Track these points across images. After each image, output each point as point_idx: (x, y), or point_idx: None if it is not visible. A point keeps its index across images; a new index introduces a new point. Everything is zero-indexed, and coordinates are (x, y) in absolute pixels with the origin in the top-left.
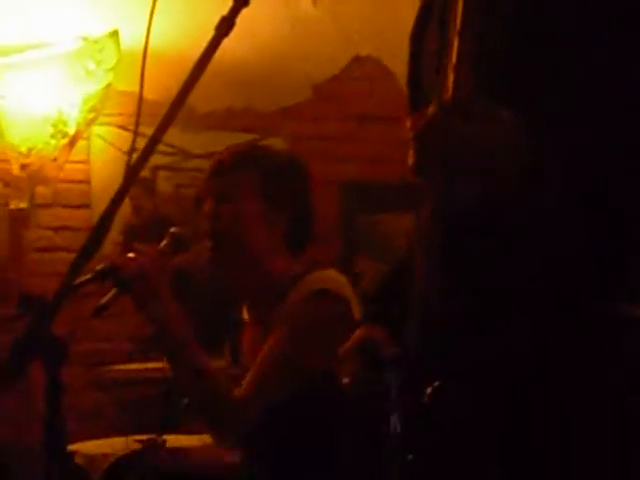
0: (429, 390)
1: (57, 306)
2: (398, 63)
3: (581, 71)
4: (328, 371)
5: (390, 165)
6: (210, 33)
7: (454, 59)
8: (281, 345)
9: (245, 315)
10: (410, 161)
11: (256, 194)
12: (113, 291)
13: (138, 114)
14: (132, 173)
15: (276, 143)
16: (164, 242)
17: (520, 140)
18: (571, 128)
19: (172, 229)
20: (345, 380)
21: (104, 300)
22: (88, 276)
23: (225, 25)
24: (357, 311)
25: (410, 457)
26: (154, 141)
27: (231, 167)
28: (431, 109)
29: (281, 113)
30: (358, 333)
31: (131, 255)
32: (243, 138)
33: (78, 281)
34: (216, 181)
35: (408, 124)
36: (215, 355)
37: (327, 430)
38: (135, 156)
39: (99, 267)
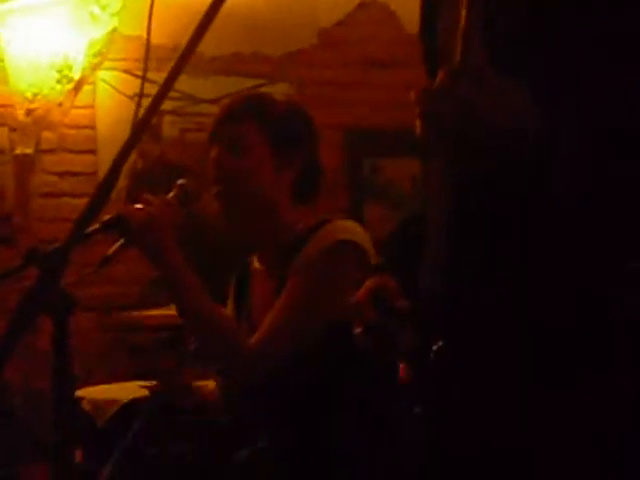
0: (434, 348)
1: (65, 259)
2: (404, 8)
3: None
4: (343, 321)
5: (395, 110)
6: None
7: (463, 24)
8: (297, 294)
9: (256, 265)
10: (418, 134)
11: (262, 142)
12: (120, 241)
13: (146, 59)
14: (140, 125)
15: (282, 88)
16: (172, 193)
17: (530, 110)
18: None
19: (180, 181)
20: (357, 330)
21: (111, 250)
22: (95, 226)
23: None
24: (374, 261)
25: (418, 409)
26: (162, 94)
27: (237, 116)
28: (439, 77)
29: (287, 58)
30: (370, 282)
31: (138, 206)
32: (250, 83)
33: (85, 232)
34: (222, 129)
35: (412, 96)
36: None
37: (341, 381)
38: (142, 102)
39: (106, 217)
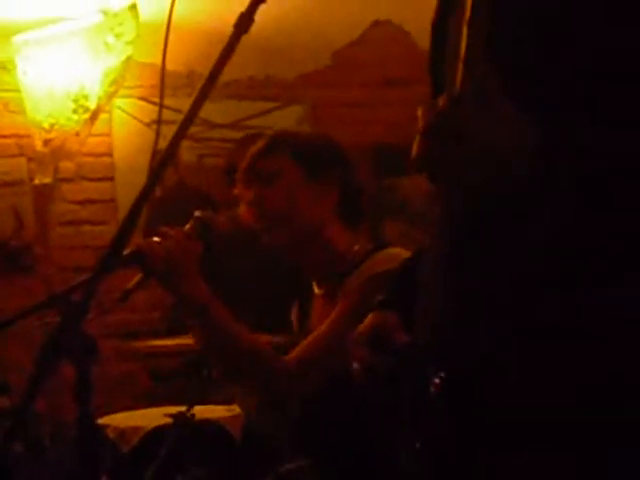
0: (436, 381)
1: (85, 304)
2: (417, 26)
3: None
4: None
5: (410, 128)
6: (229, 3)
7: (463, 50)
8: (338, 319)
9: (315, 289)
10: (413, 153)
11: (297, 169)
12: (139, 276)
13: (162, 86)
14: (156, 172)
15: (297, 110)
16: (188, 225)
17: (527, 134)
18: (582, 127)
19: (196, 213)
20: (355, 365)
21: (131, 284)
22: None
23: (244, 21)
24: None
25: (418, 445)
26: (183, 128)
27: (268, 151)
28: (441, 101)
29: (301, 80)
30: (371, 318)
31: (156, 239)
32: (265, 106)
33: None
34: (254, 169)
35: (419, 113)
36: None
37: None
38: (160, 129)
39: (125, 252)
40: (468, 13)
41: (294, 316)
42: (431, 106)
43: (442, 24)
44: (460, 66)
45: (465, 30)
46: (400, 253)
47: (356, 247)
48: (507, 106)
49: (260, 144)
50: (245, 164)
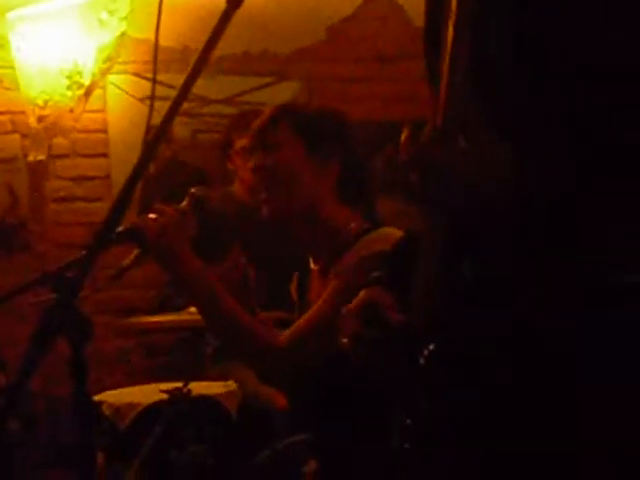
0: (425, 352)
1: (80, 281)
2: (411, 2)
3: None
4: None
5: (406, 104)
6: None
7: (446, 80)
8: (330, 299)
9: (312, 264)
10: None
11: (299, 141)
12: (135, 252)
13: (155, 62)
14: (150, 148)
15: (292, 85)
16: (184, 202)
17: (507, 168)
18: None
19: (192, 189)
20: (343, 340)
21: (126, 262)
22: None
23: None
24: None
25: (408, 421)
26: (175, 106)
27: (272, 121)
28: (424, 134)
29: (296, 55)
30: (364, 294)
31: (152, 216)
32: (259, 82)
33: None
34: (260, 136)
35: (403, 137)
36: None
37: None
38: (154, 104)
39: (120, 229)
40: (450, 46)
41: (293, 289)
42: (415, 133)
43: (436, 6)
44: (443, 95)
45: (447, 63)
46: (394, 233)
47: (352, 225)
48: (488, 137)
49: (264, 115)
50: (249, 135)
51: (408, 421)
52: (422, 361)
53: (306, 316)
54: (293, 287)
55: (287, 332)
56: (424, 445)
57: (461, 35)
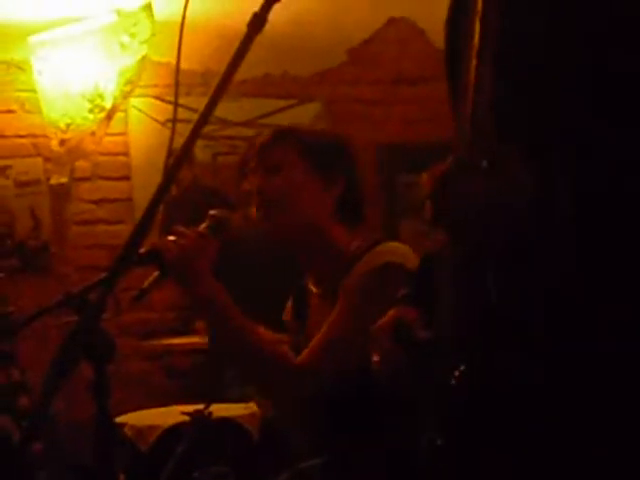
0: (456, 373)
1: (102, 303)
2: (432, 24)
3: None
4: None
5: (425, 125)
6: (243, 2)
7: (469, 110)
8: (344, 314)
9: (312, 288)
10: (427, 215)
11: (302, 162)
12: (155, 274)
13: (176, 85)
14: (171, 171)
15: (313, 107)
16: (204, 224)
17: (531, 196)
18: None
19: (212, 212)
20: (375, 358)
21: (146, 284)
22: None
23: (257, 21)
24: None
25: (439, 441)
26: (197, 129)
27: (274, 141)
28: (446, 165)
29: (317, 78)
30: (392, 312)
31: (172, 238)
32: (280, 104)
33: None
34: (261, 157)
35: (424, 178)
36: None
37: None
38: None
39: (141, 251)
40: (473, 78)
41: (289, 316)
42: (437, 170)
43: (455, 24)
44: (466, 125)
45: (471, 93)
46: (397, 247)
47: (354, 243)
48: (513, 166)
49: (265, 136)
50: (250, 155)
51: (439, 441)
52: (454, 382)
53: (320, 339)
54: (289, 313)
55: (303, 355)
56: (456, 464)
57: (485, 55)
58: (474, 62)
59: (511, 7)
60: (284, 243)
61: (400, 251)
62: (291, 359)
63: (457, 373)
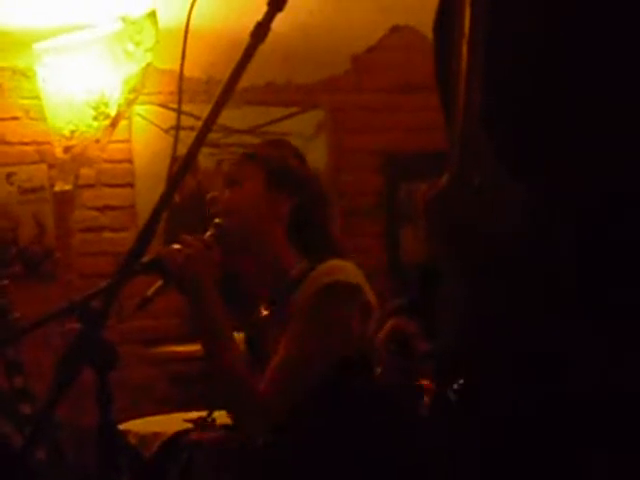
0: (455, 387)
1: (105, 311)
2: None
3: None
4: (364, 358)
5: (429, 133)
6: (247, 10)
7: (459, 133)
8: (298, 341)
9: (263, 311)
10: (422, 230)
11: (260, 182)
12: (159, 283)
13: (180, 93)
14: (175, 179)
15: (316, 115)
16: (209, 233)
17: (527, 213)
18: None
19: (216, 220)
20: (378, 370)
21: (150, 292)
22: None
23: (260, 30)
24: (370, 295)
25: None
26: (194, 150)
27: (241, 160)
28: (441, 182)
29: (320, 85)
30: (390, 324)
31: (176, 246)
32: (284, 112)
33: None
34: (226, 173)
35: (423, 190)
36: None
37: (357, 417)
38: (179, 134)
39: (145, 259)
40: (462, 102)
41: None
42: (431, 187)
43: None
44: (457, 144)
45: (461, 118)
46: (337, 264)
47: (298, 266)
48: (508, 186)
49: (239, 156)
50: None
51: (443, 456)
52: (452, 396)
53: (277, 366)
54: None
55: (265, 384)
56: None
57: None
58: (463, 85)
59: (499, 27)
60: (234, 260)
61: (336, 268)
62: (257, 389)
63: (456, 386)
